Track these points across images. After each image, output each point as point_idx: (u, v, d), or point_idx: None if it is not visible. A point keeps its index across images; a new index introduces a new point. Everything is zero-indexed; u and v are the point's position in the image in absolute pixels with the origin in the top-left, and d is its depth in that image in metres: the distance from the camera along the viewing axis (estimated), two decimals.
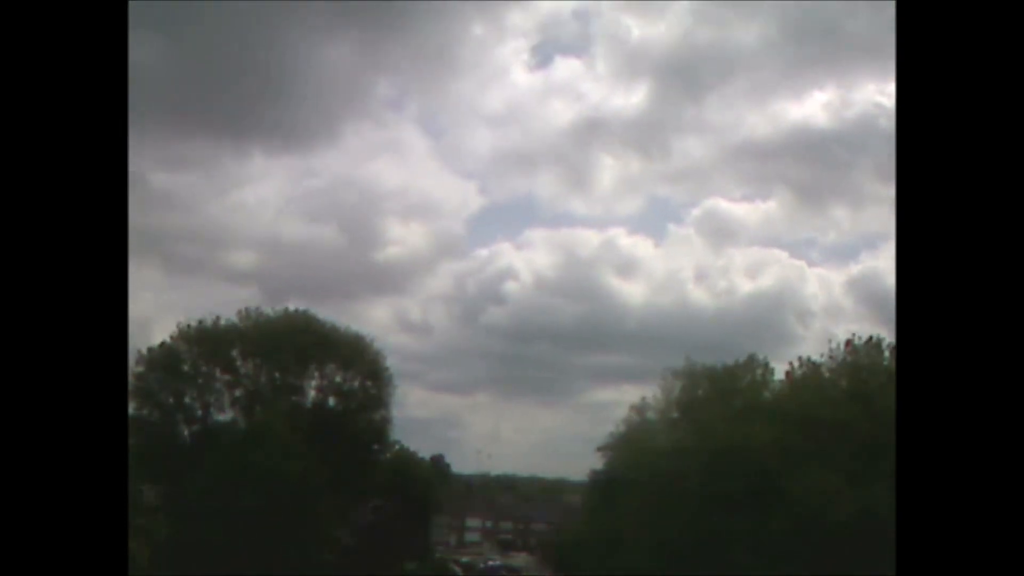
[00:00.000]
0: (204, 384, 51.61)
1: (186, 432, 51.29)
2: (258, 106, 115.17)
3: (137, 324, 50.21)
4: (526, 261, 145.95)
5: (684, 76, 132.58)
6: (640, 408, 40.77)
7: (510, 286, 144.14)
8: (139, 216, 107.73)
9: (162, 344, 50.87)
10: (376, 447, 55.03)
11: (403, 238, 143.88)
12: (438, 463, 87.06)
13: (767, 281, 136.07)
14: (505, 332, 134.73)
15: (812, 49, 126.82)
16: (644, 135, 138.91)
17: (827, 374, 37.37)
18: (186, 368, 50.84)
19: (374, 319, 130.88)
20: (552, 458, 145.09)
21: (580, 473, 49.85)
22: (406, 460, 61.84)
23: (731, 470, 33.43)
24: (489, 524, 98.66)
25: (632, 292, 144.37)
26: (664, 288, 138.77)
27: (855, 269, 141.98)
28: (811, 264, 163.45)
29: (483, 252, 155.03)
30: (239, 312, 53.29)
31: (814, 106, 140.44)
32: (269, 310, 53.93)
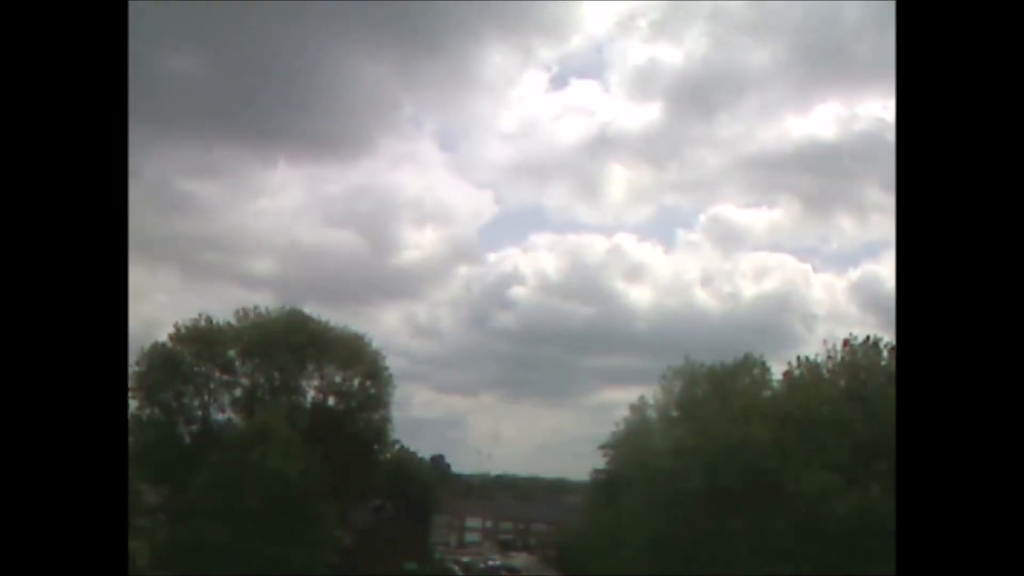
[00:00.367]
0: (203, 384, 51.62)
1: (186, 432, 51.31)
2: (289, 117, 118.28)
3: (150, 325, 50.88)
4: (536, 266, 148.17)
5: (696, 96, 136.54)
6: (639, 408, 40.78)
7: (519, 290, 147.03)
8: (160, 222, 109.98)
9: (161, 344, 50.87)
10: (376, 447, 55.04)
11: (418, 244, 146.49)
12: (438, 463, 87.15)
13: (773, 285, 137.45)
14: (514, 335, 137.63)
15: (821, 70, 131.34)
16: (655, 148, 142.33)
17: (826, 374, 37.38)
18: (185, 368, 50.84)
19: (386, 322, 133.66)
20: (555, 458, 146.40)
21: (583, 474, 49.95)
22: (406, 460, 61.91)
23: (730, 469, 33.44)
24: (489, 524, 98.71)
25: (640, 296, 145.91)
26: (672, 292, 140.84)
27: (856, 274, 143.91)
28: (816, 270, 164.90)
29: (494, 257, 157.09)
30: (237, 312, 53.28)
31: (821, 120, 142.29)
32: (267, 310, 53.93)
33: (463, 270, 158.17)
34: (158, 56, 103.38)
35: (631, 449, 38.76)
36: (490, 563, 71.20)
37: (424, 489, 61.63)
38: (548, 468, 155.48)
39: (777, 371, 39.39)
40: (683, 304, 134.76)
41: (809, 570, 30.80)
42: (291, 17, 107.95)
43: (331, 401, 53.34)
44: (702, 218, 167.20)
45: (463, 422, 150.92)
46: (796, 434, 33.83)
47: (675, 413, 39.40)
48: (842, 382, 36.69)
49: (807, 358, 38.48)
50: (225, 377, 51.83)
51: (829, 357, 37.46)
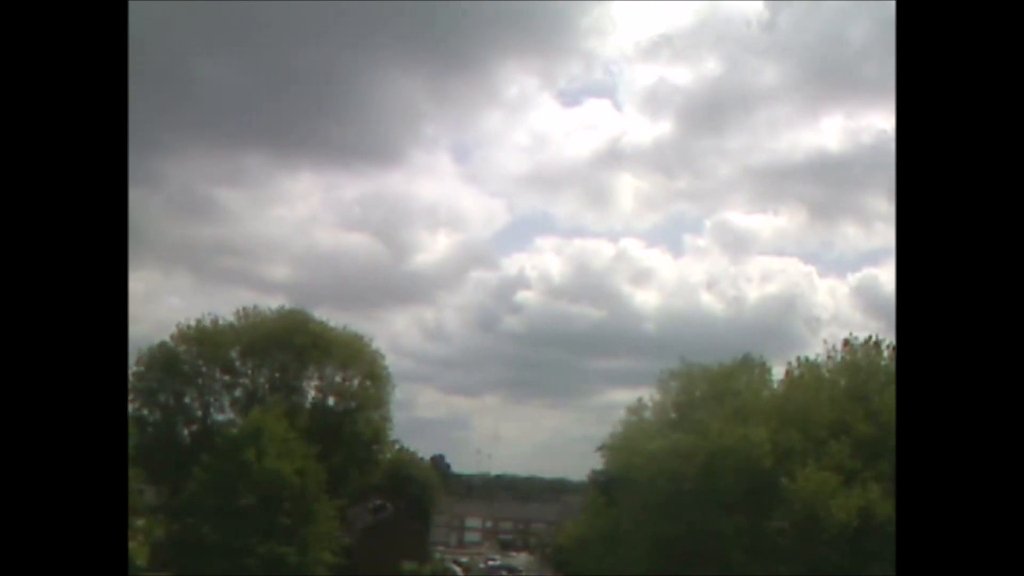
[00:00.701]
0: (203, 384, 51.67)
1: (185, 432, 51.34)
2: (317, 126, 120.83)
3: (161, 328, 51.55)
4: (544, 269, 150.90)
5: (706, 113, 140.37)
6: (636, 409, 40.73)
7: (527, 294, 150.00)
8: (179, 226, 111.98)
9: (162, 344, 50.89)
10: (375, 447, 55.07)
11: (432, 250, 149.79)
12: (438, 463, 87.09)
13: (778, 289, 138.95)
14: (520, 337, 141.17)
15: (828, 87, 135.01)
16: (665, 159, 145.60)
17: (826, 374, 37.36)
18: (185, 368, 50.86)
19: (397, 326, 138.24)
20: (557, 458, 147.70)
21: (584, 474, 49.96)
22: (406, 460, 61.90)
23: (729, 470, 33.43)
24: (489, 524, 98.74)
25: (647, 299, 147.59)
26: (678, 295, 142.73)
27: (859, 278, 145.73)
28: (821, 275, 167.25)
29: (504, 262, 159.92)
30: (237, 312, 53.29)
31: (827, 133, 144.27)
32: (267, 310, 53.94)
33: (474, 275, 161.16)
34: (194, 64, 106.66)
35: (628, 450, 38.71)
36: (490, 563, 71.22)
37: (424, 489, 61.60)
38: (550, 468, 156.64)
39: (780, 373, 39.41)
40: (689, 307, 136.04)
41: (807, 571, 30.78)
42: (325, 30, 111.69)
43: (331, 401, 53.42)
44: (708, 223, 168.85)
45: (467, 422, 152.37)
46: (795, 434, 33.83)
47: (673, 415, 39.35)
48: (842, 382, 36.67)
49: (807, 358, 38.51)
50: (225, 377, 51.89)
51: (829, 357, 37.48)
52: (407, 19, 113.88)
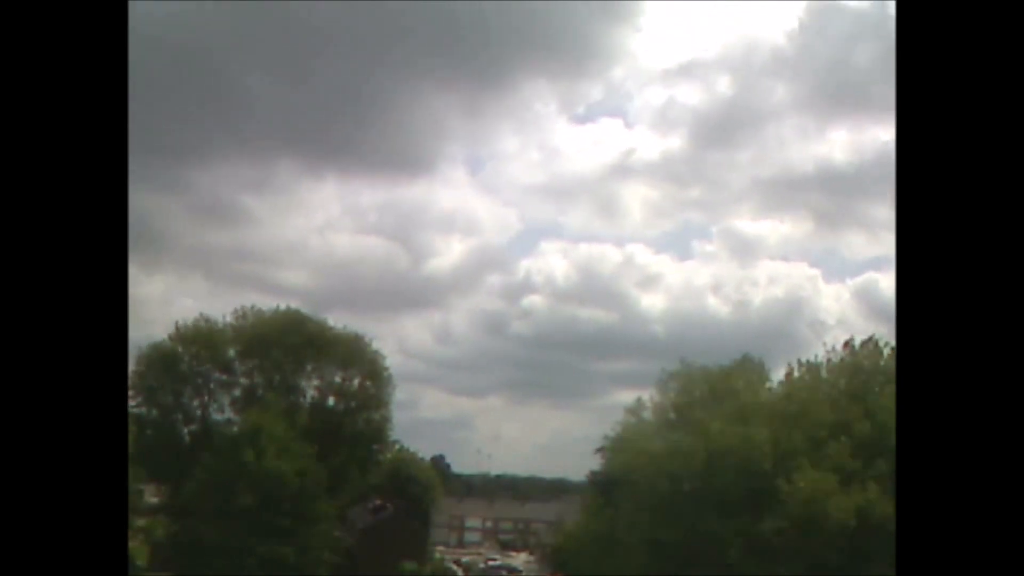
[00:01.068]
0: (202, 384, 51.63)
1: (185, 432, 51.31)
2: (346, 136, 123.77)
3: (169, 327, 51.98)
4: (552, 273, 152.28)
5: (716, 130, 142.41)
6: (635, 410, 40.71)
7: (537, 298, 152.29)
8: (200, 232, 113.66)
9: (161, 344, 50.84)
10: (375, 447, 55.04)
11: (445, 256, 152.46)
12: (438, 463, 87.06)
13: (784, 292, 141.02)
14: (528, 340, 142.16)
15: (836, 104, 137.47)
16: (675, 171, 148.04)
17: (826, 375, 37.33)
18: (184, 368, 50.82)
19: (409, 329, 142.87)
20: (560, 458, 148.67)
21: (584, 474, 49.94)
22: (406, 460, 61.88)
23: (728, 470, 33.43)
24: (489, 524, 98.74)
25: (655, 302, 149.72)
26: (685, 298, 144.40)
27: (862, 281, 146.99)
28: (826, 280, 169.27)
29: (515, 267, 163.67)
30: (236, 312, 53.25)
31: (833, 146, 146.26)
32: (266, 310, 53.89)
33: (485, 279, 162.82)
34: (240, 76, 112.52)
35: (627, 451, 38.69)
36: (490, 563, 71.19)
37: (424, 489, 61.58)
38: (551, 468, 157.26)
39: (783, 375, 39.35)
40: (696, 310, 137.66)
41: (806, 571, 30.77)
42: (363, 46, 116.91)
43: (331, 401, 53.36)
44: (715, 229, 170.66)
45: (470, 423, 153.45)
46: (795, 434, 33.82)
47: (672, 415, 39.33)
48: (842, 383, 36.65)
49: (807, 359, 38.46)
50: (224, 377, 51.85)
51: (829, 358, 37.45)
52: (442, 39, 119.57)
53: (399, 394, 56.21)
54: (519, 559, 75.78)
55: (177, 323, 52.10)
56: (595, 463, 44.55)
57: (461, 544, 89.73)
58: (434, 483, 64.89)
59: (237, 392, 51.73)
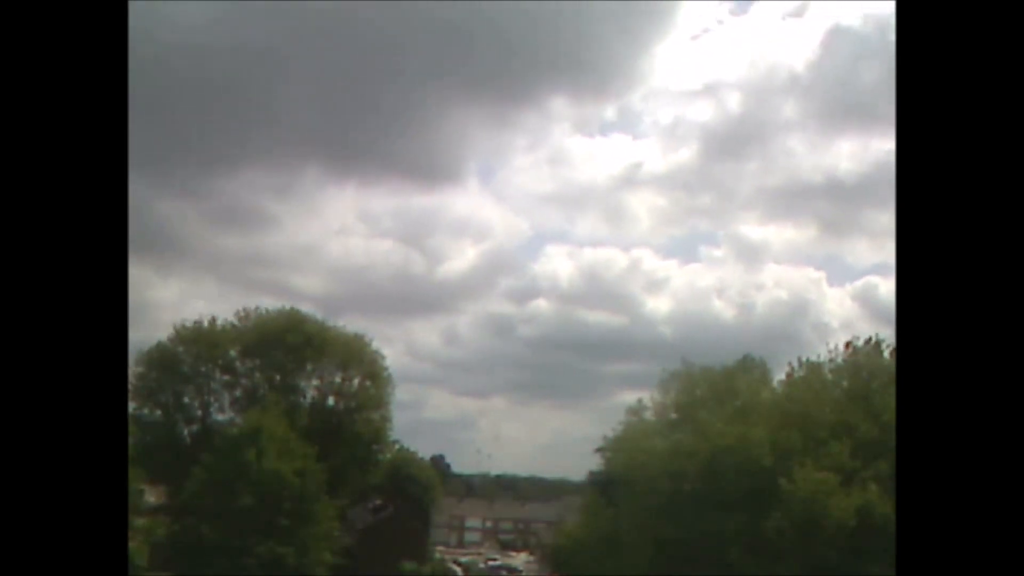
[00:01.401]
0: (203, 384, 51.66)
1: (185, 432, 51.34)
2: (372, 144, 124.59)
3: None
4: (559, 276, 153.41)
5: (725, 143, 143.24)
6: (636, 410, 40.69)
7: (543, 301, 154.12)
8: (218, 237, 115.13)
9: (161, 344, 50.89)
10: (375, 447, 55.04)
11: (455, 259, 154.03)
12: (438, 463, 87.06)
13: (789, 296, 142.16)
14: (534, 341, 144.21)
15: (841, 119, 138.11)
16: (684, 180, 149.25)
17: (828, 375, 37.29)
18: (185, 368, 50.86)
19: (419, 332, 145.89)
20: (561, 459, 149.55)
21: (585, 474, 49.96)
22: (406, 460, 61.90)
23: (729, 470, 33.42)
24: (489, 524, 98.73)
25: (661, 305, 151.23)
26: (692, 301, 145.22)
27: (860, 284, 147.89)
28: (830, 284, 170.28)
29: (523, 270, 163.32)
30: (237, 312, 53.32)
31: (839, 156, 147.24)
32: (266, 310, 53.93)
33: (494, 283, 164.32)
34: (271, 85, 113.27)
35: (628, 450, 38.66)
36: (490, 563, 71.19)
37: (424, 489, 61.61)
38: (552, 468, 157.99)
39: (784, 375, 39.28)
40: (703, 312, 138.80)
41: (807, 571, 30.77)
42: (392, 56, 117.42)
43: (331, 401, 53.37)
44: (722, 235, 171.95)
45: (472, 423, 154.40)
46: (795, 434, 33.81)
47: (673, 415, 39.31)
48: (844, 383, 36.62)
49: (808, 359, 38.40)
50: (225, 377, 51.88)
51: (831, 359, 37.40)
52: (470, 53, 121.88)
53: (404, 395, 56.70)
54: (519, 559, 75.77)
55: (176, 324, 52.17)
56: (596, 463, 44.57)
57: (461, 544, 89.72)
58: (434, 483, 64.92)
59: (238, 392, 51.76)
